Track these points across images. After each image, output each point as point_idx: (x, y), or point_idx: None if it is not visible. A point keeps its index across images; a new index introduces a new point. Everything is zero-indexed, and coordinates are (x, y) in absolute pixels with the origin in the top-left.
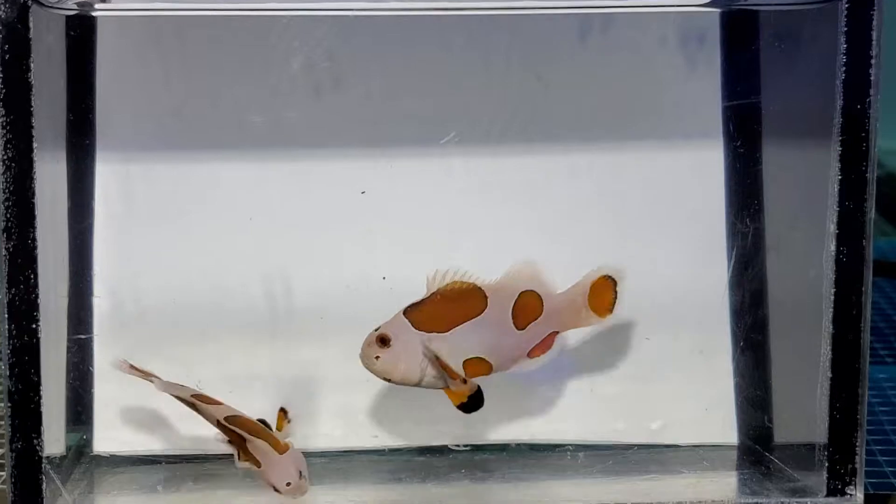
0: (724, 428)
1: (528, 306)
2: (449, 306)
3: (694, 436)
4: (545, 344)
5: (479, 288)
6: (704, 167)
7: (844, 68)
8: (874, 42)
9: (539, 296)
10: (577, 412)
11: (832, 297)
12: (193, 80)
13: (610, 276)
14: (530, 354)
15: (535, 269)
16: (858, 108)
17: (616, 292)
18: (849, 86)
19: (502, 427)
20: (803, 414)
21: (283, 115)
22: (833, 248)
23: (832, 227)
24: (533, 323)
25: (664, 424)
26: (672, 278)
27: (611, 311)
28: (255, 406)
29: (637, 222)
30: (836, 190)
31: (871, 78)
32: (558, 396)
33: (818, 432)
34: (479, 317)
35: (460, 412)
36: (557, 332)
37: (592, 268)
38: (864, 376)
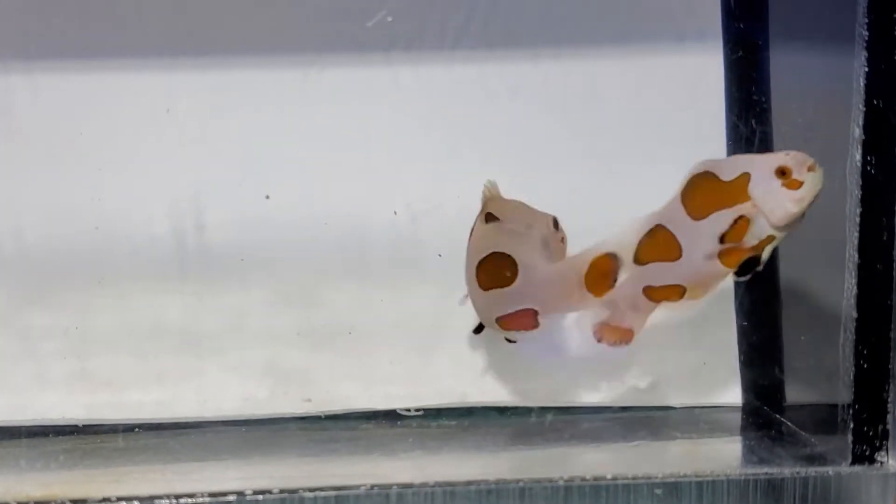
0: (725, 385)
1: None
2: None
3: (690, 395)
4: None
5: None
6: (700, 78)
7: None
8: None
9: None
10: (558, 367)
11: (857, 218)
12: None
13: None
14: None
15: None
16: None
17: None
18: None
19: (461, 387)
20: (821, 366)
21: (196, 15)
22: (859, 157)
23: (857, 132)
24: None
25: (654, 382)
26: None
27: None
28: (163, 362)
29: (622, 143)
30: (861, 84)
31: None
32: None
33: (840, 388)
34: None
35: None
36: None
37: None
38: None
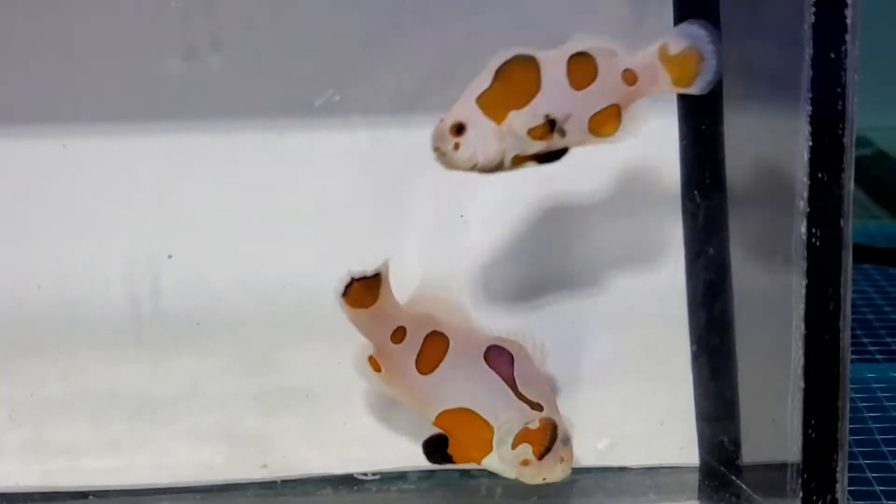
0: (682, 445)
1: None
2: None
3: (647, 456)
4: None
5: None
6: (655, 132)
7: (814, 9)
8: None
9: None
10: None
11: (804, 290)
12: (37, 38)
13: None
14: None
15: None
16: (832, 58)
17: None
18: (820, 29)
19: (417, 451)
20: (775, 428)
21: (145, 81)
22: (804, 229)
23: (802, 205)
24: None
25: (612, 443)
26: (617, 264)
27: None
28: (118, 429)
29: (575, 195)
30: (805, 159)
31: (847, 21)
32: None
33: (792, 451)
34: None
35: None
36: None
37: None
38: (844, 386)
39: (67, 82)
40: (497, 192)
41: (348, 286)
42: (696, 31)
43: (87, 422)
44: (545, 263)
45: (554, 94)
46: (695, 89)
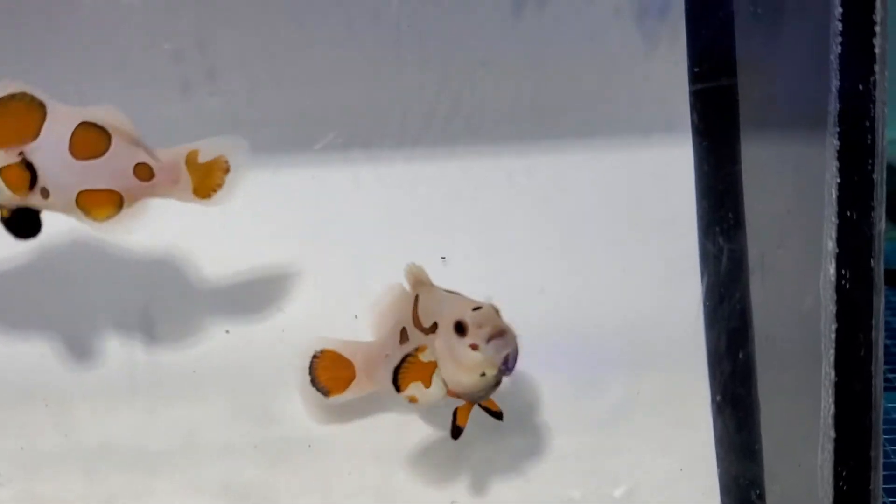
0: (703, 492)
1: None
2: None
3: (667, 502)
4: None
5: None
6: (668, 169)
7: (841, 38)
8: (878, 4)
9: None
10: (518, 475)
11: (833, 335)
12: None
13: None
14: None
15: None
16: (860, 90)
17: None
18: (847, 61)
19: (427, 499)
20: (801, 473)
21: (146, 116)
22: (832, 270)
23: (830, 245)
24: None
25: (629, 490)
26: (633, 308)
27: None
28: (115, 483)
29: (588, 240)
30: (833, 196)
31: (876, 50)
32: (495, 458)
33: (822, 502)
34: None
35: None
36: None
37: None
38: (877, 435)
39: None
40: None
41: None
42: (227, 144)
43: (81, 476)
44: (560, 306)
45: (48, 150)
46: (214, 202)
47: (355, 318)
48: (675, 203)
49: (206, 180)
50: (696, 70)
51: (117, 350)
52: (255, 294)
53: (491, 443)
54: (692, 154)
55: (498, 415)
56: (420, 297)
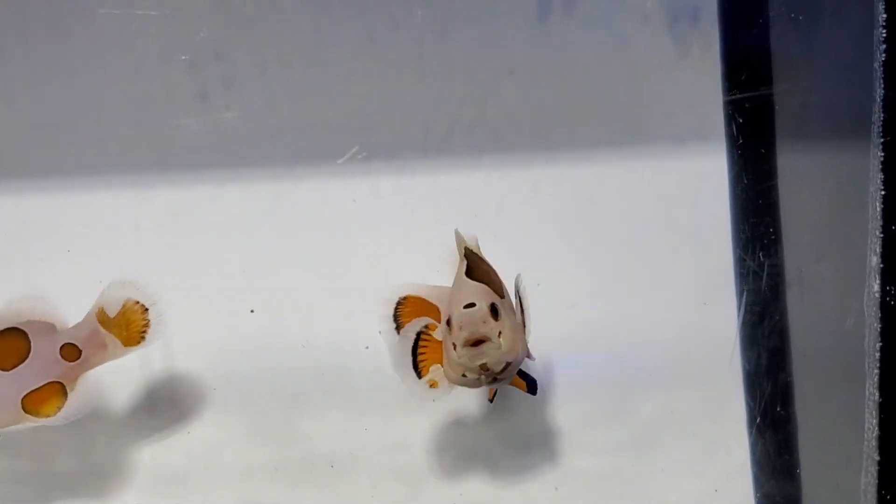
0: None
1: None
2: None
3: None
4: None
5: None
6: (702, 180)
7: (885, 46)
8: None
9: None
10: (546, 497)
11: (878, 354)
12: (49, 87)
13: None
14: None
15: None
16: None
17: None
18: (892, 69)
19: None
20: (843, 500)
21: (163, 128)
22: (877, 287)
23: (875, 260)
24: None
25: None
26: (666, 324)
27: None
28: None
29: (618, 254)
30: (878, 210)
31: None
32: (523, 475)
33: None
34: None
35: None
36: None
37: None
38: None
39: (72, 137)
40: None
41: None
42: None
43: (96, 498)
44: (590, 322)
45: None
46: (146, 345)
47: (378, 334)
48: (710, 216)
49: (131, 328)
50: (730, 78)
51: (134, 368)
52: (275, 309)
53: (517, 462)
54: (727, 165)
55: (532, 388)
56: (458, 269)
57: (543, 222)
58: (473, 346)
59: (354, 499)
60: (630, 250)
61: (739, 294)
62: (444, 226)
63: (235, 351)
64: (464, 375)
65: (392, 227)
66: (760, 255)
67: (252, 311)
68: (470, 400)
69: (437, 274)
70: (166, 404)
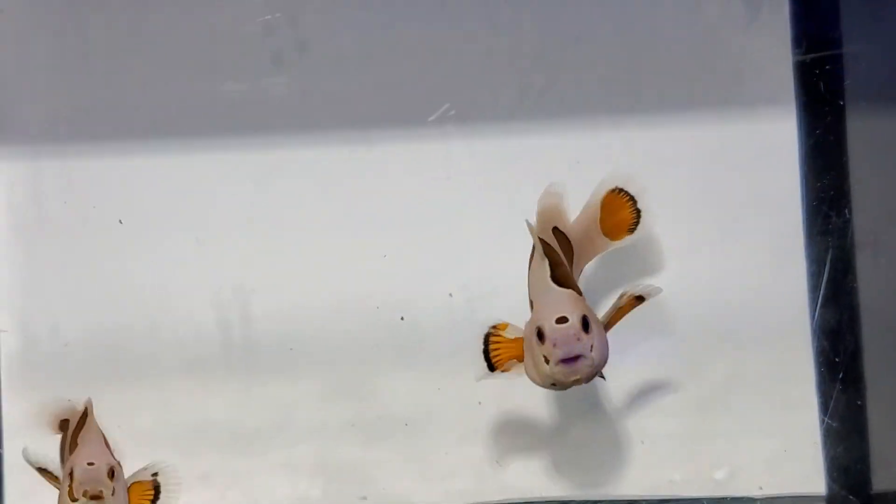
0: (808, 473)
1: None
2: None
3: (770, 485)
4: None
5: None
6: (772, 142)
7: None
8: None
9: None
10: (621, 460)
11: None
12: (118, 54)
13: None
14: None
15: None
16: None
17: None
18: None
19: (526, 481)
20: None
21: (233, 93)
22: None
23: None
24: None
25: (731, 472)
26: (737, 286)
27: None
28: (209, 461)
29: (688, 216)
30: None
31: None
32: (595, 440)
33: None
34: None
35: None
36: None
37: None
38: None
39: (149, 99)
40: None
41: None
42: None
43: (176, 454)
44: (660, 284)
45: None
46: None
47: (450, 297)
48: (780, 177)
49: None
50: (799, 39)
51: (213, 328)
52: (350, 270)
53: (590, 425)
54: (796, 126)
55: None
56: (532, 261)
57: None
58: (567, 363)
59: (429, 457)
60: (700, 212)
61: (809, 255)
62: (516, 190)
63: (312, 311)
64: (553, 384)
65: (464, 191)
66: (832, 216)
67: (328, 272)
68: None
69: (506, 237)
70: (244, 364)
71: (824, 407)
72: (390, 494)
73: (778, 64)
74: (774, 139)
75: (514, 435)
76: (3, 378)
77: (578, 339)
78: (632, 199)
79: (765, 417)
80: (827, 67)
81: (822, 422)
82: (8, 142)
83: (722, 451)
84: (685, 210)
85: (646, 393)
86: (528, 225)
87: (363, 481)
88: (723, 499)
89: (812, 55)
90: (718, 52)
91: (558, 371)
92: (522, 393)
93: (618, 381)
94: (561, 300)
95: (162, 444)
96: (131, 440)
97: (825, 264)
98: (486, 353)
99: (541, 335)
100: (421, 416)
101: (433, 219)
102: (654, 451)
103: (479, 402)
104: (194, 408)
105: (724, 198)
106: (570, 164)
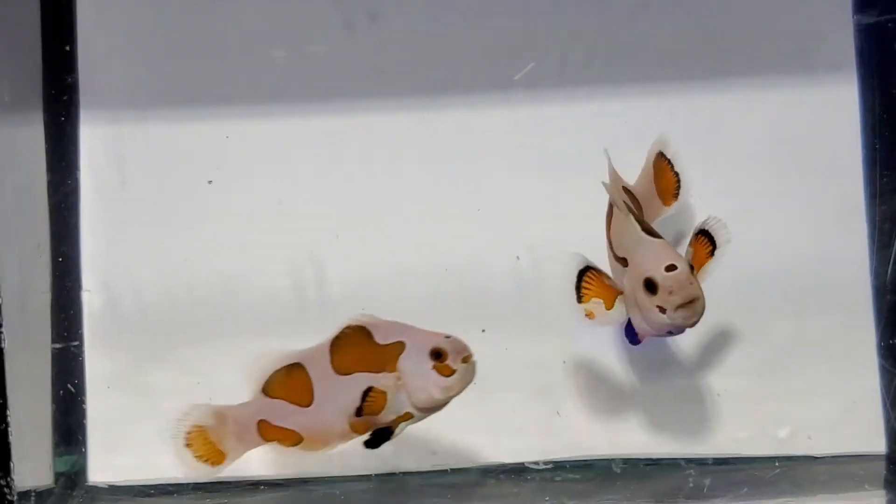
0: (868, 433)
1: None
2: None
3: (831, 444)
4: None
5: None
6: (833, 107)
7: None
8: None
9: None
10: (685, 419)
11: None
12: (198, 17)
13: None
14: None
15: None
16: None
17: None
18: None
19: (592, 440)
20: None
21: (310, 58)
22: None
23: None
24: None
25: (793, 431)
26: (798, 247)
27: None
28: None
29: (751, 179)
30: None
31: None
32: (660, 399)
33: None
34: None
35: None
36: None
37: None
38: None
39: (222, 68)
40: None
41: None
42: None
43: None
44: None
45: None
46: None
47: (517, 259)
48: (841, 142)
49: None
50: (860, 5)
51: (287, 290)
52: (419, 233)
53: (655, 384)
54: (857, 91)
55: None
56: (613, 218)
57: (679, 150)
58: (685, 308)
59: (497, 416)
60: (763, 177)
61: (870, 219)
62: (581, 155)
63: (379, 275)
64: (669, 332)
65: (529, 156)
66: (888, 178)
67: (398, 237)
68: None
69: (570, 200)
70: (318, 326)
71: (884, 368)
72: (459, 450)
73: (839, 29)
74: (836, 104)
75: (579, 394)
76: (86, 336)
77: (691, 283)
78: (670, 162)
79: (827, 378)
80: (888, 33)
81: (882, 383)
82: (90, 106)
83: (785, 410)
84: (747, 174)
85: (710, 354)
86: (605, 185)
87: (433, 438)
88: (784, 457)
89: (873, 20)
90: (781, 18)
91: (679, 316)
92: (587, 355)
93: (683, 341)
94: (663, 249)
95: (241, 401)
96: (211, 395)
97: (886, 227)
98: (579, 286)
99: (651, 286)
100: (488, 376)
101: (498, 183)
102: (719, 410)
103: (545, 363)
104: None
105: (786, 161)
106: (635, 131)
